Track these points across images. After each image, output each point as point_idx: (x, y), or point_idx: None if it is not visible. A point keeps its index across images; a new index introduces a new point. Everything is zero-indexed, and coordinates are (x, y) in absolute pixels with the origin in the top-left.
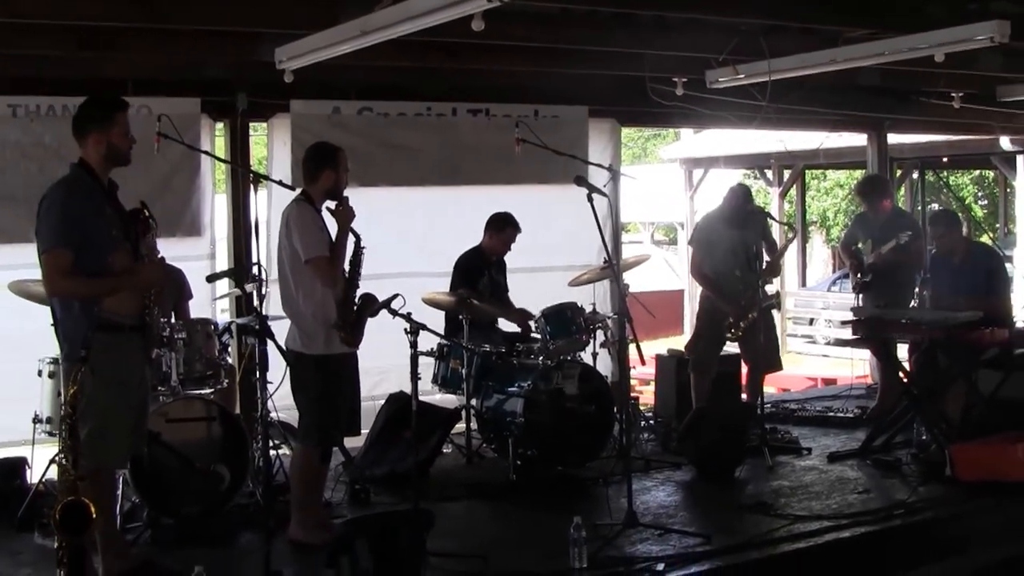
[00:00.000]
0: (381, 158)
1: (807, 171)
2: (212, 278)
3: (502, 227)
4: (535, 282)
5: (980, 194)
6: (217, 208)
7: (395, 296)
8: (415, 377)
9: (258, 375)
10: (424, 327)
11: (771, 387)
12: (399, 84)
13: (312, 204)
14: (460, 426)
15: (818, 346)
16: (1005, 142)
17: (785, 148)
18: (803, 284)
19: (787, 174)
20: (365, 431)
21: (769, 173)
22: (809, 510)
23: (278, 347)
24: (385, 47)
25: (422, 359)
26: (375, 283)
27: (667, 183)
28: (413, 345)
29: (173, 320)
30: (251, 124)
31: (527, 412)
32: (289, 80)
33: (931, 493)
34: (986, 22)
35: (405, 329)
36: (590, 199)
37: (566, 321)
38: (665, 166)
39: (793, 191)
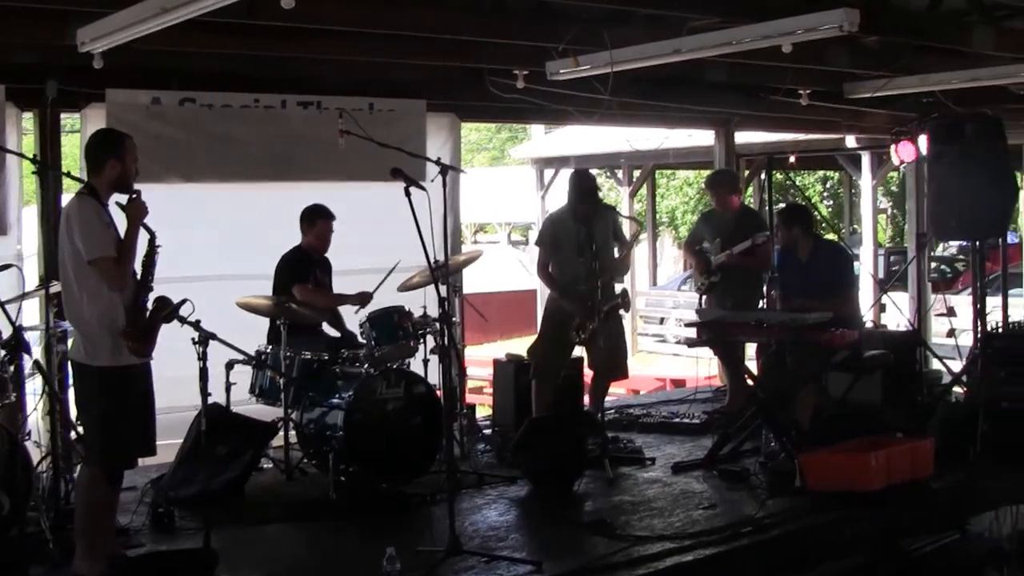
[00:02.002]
0: (205, 152)
1: (657, 170)
2: None
3: (313, 220)
4: (367, 285)
5: (825, 194)
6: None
7: (183, 301)
8: (204, 392)
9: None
10: (213, 336)
11: (621, 388)
12: (228, 72)
13: (97, 198)
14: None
15: (669, 345)
16: (851, 140)
17: (631, 147)
18: (654, 283)
19: (637, 174)
20: (174, 441)
21: (620, 173)
22: (651, 529)
23: (35, 361)
24: (209, 31)
25: (239, 368)
26: (199, 285)
27: (524, 184)
28: (201, 357)
29: None
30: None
31: (347, 425)
32: (99, 65)
33: (780, 506)
34: (834, 10)
35: (193, 339)
36: (407, 192)
37: (392, 326)
38: (523, 167)
39: (643, 190)
